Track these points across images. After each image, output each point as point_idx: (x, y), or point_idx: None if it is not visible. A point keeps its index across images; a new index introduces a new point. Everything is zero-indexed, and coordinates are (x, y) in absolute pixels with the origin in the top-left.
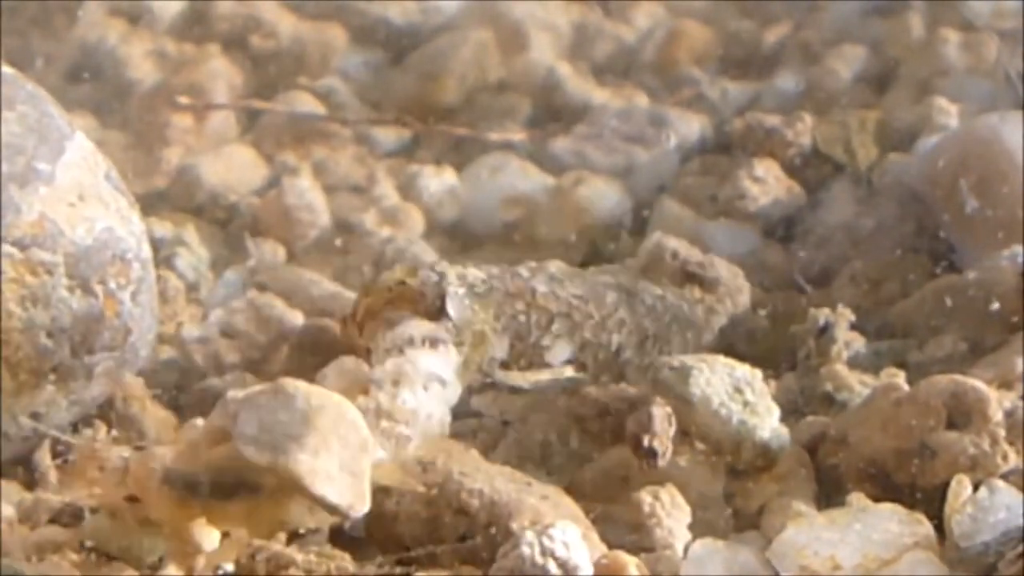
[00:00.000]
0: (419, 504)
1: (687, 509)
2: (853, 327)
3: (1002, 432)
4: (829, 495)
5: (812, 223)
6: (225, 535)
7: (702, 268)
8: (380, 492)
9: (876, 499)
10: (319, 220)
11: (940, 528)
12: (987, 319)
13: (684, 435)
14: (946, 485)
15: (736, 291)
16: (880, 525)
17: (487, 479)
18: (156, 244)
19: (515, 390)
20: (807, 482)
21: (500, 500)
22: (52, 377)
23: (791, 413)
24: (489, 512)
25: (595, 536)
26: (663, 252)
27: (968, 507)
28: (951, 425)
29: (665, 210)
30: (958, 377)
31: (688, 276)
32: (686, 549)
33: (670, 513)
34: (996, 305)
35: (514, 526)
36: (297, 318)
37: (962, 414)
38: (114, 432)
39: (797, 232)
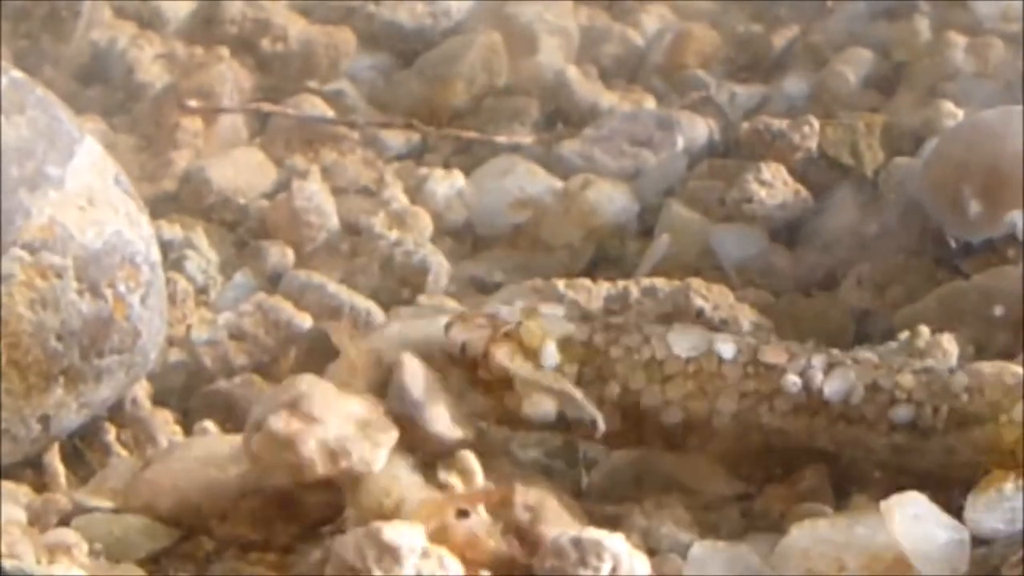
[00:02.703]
0: None
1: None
2: (860, 331)
3: None
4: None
5: (818, 227)
6: None
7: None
8: None
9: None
10: (328, 223)
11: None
12: (993, 324)
13: None
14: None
15: None
16: (884, 526)
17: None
18: (165, 247)
19: None
20: (826, 485)
21: None
22: (62, 380)
23: None
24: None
25: None
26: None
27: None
28: None
29: (672, 213)
30: None
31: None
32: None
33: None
34: (1000, 311)
35: None
36: (306, 321)
37: None
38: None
39: (803, 235)
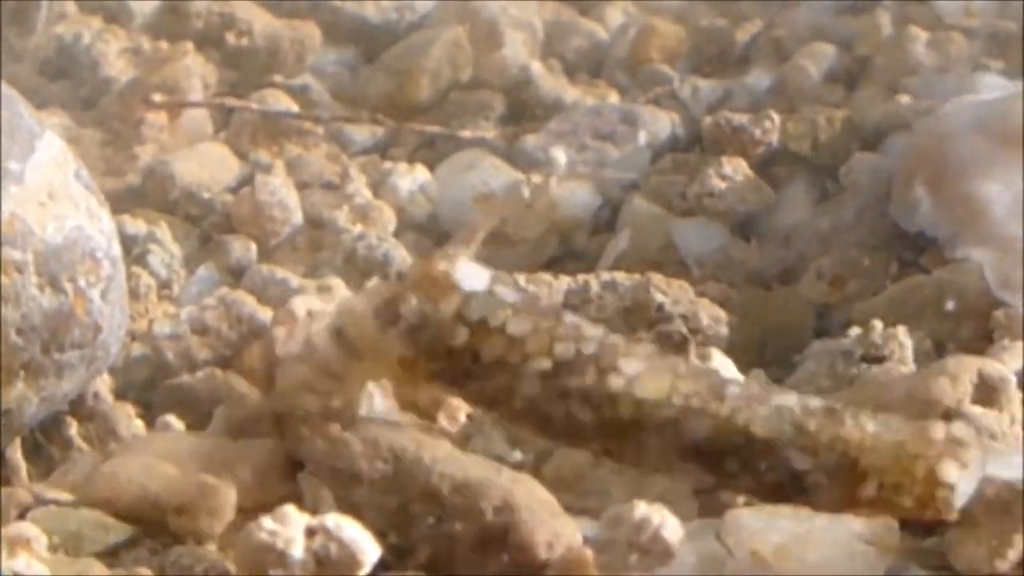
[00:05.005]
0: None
1: None
2: (819, 325)
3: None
4: None
5: (778, 221)
6: None
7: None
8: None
9: None
10: (292, 217)
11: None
12: (954, 318)
13: None
14: None
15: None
16: (844, 525)
17: (459, 464)
18: (129, 241)
19: None
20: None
21: (472, 483)
22: (22, 374)
23: None
24: (462, 495)
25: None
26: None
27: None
28: None
29: (634, 207)
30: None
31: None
32: None
33: None
34: (951, 305)
35: (484, 506)
36: (268, 315)
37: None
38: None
39: (764, 229)
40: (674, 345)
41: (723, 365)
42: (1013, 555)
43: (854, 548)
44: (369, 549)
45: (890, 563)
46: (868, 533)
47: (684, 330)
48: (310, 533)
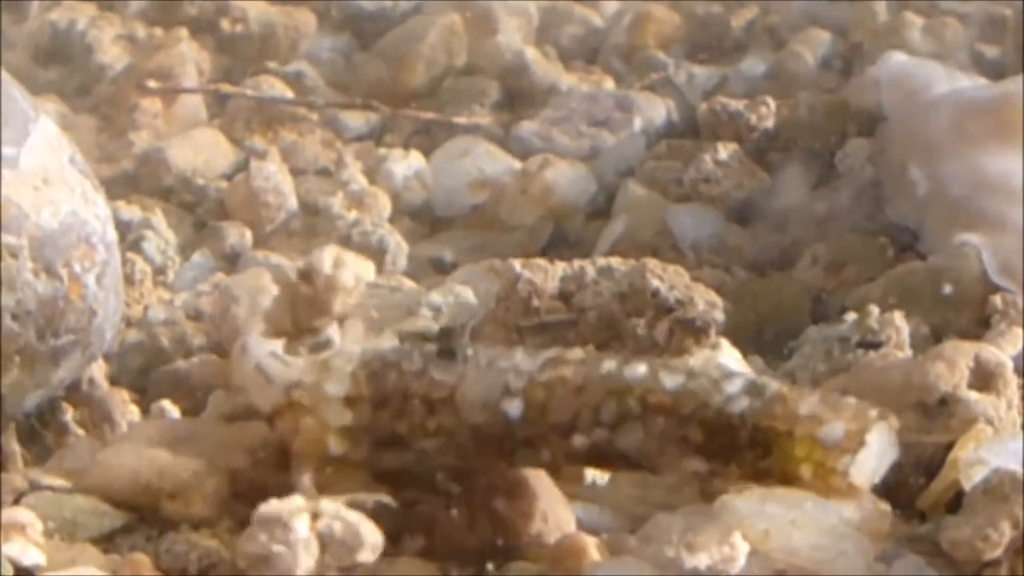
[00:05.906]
0: None
1: None
2: (815, 310)
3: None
4: None
5: (774, 206)
6: None
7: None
8: None
9: None
10: (286, 204)
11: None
12: (951, 303)
13: None
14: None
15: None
16: (833, 510)
17: None
18: (124, 228)
19: None
20: None
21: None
22: (17, 360)
23: None
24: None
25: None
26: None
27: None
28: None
29: (630, 193)
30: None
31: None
32: None
33: None
34: (948, 290)
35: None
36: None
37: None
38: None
39: (759, 215)
40: (694, 332)
41: (730, 355)
42: (1003, 541)
43: (843, 533)
44: (370, 531)
45: (880, 549)
46: (858, 519)
47: (708, 319)
48: (314, 516)
